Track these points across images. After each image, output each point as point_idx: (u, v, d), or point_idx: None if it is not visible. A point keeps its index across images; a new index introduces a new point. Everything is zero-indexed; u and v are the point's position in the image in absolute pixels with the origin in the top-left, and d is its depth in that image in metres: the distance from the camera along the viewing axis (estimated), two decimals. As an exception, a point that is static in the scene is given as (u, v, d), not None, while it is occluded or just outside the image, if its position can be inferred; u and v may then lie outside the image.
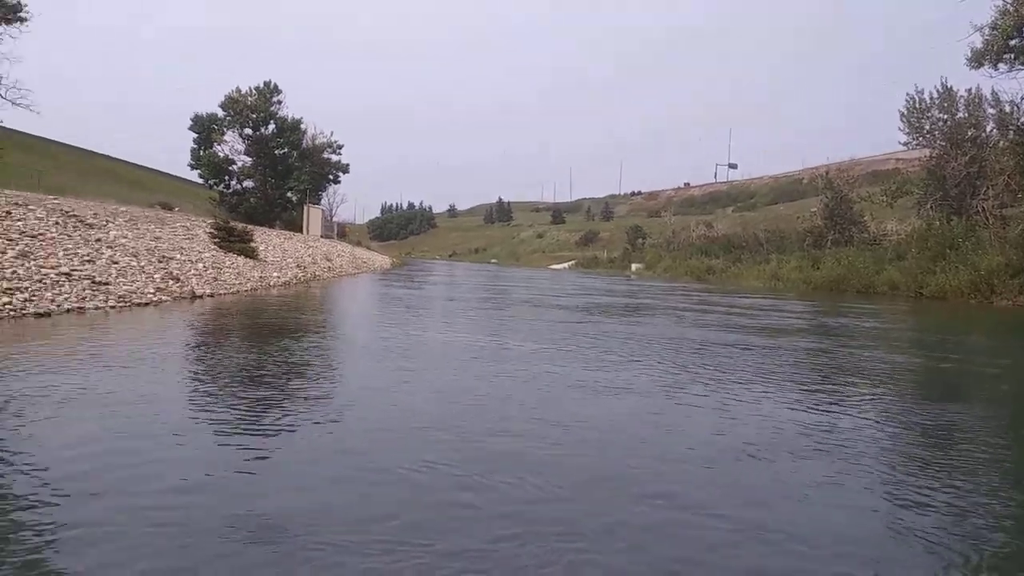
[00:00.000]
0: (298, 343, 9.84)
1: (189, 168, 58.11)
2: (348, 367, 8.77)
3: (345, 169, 63.48)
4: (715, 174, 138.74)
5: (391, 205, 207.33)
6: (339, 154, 62.10)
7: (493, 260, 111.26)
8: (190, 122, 55.95)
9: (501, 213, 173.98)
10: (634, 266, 73.42)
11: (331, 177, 63.79)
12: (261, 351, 8.97)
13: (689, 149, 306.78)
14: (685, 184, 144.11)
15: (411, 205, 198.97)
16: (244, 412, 5.69)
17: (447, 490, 4.14)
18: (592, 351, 10.39)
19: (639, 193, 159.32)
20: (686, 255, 66.95)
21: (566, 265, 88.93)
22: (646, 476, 4.62)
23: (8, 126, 30.98)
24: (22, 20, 29.14)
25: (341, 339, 11.62)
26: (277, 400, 6.37)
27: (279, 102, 57.81)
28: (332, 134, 61.73)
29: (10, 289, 10.94)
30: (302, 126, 59.20)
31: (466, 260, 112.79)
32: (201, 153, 56.54)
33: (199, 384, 6.93)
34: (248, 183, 58.35)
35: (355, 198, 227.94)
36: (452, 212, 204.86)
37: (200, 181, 59.13)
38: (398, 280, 33.83)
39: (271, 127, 57.90)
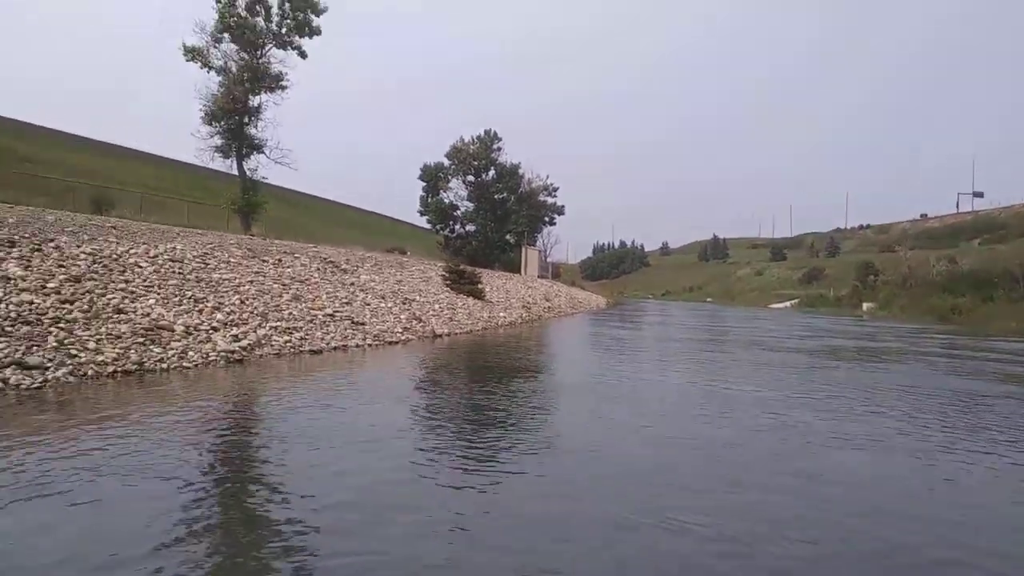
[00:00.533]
0: (527, 383, 10.46)
1: (419, 214, 62.78)
2: (576, 410, 9.12)
3: (560, 211, 65.38)
4: (957, 204, 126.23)
5: (603, 244, 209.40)
6: (554, 196, 64.20)
7: (708, 299, 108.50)
8: (419, 171, 60.60)
9: (716, 250, 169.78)
10: (866, 305, 68.28)
11: (546, 219, 65.94)
12: (496, 391, 9.64)
13: (924, 177, 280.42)
14: (922, 216, 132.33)
15: (623, 244, 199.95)
16: (480, 453, 6.25)
17: (701, 554, 4.10)
18: (830, 399, 10.03)
19: (868, 226, 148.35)
20: (926, 293, 61.29)
21: (788, 304, 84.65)
22: (930, 546, 4.41)
23: (270, 182, 35.31)
24: (283, 88, 33.31)
25: (567, 381, 12.11)
26: (509, 441, 6.84)
27: (498, 149, 61.09)
28: (548, 177, 64.00)
29: (290, 328, 12.65)
30: (520, 171, 61.99)
31: (679, 299, 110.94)
32: (429, 200, 60.94)
33: (443, 422, 7.61)
34: (470, 227, 61.90)
35: (567, 238, 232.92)
36: (665, 250, 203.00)
37: (427, 226, 63.61)
38: (614, 319, 34.21)
39: (491, 173, 61.20)
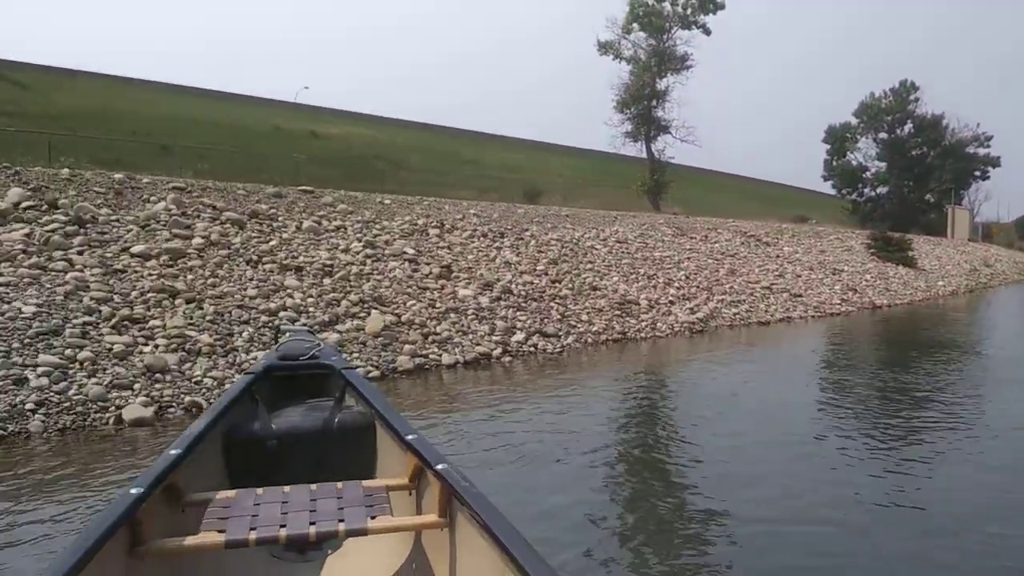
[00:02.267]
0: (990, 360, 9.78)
1: (822, 180, 59.67)
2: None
3: (995, 162, 56.98)
4: None
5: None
6: (987, 146, 56.15)
7: None
8: (823, 134, 57.52)
9: None
10: None
11: (977, 173, 57.99)
12: (956, 367, 9.23)
13: None
14: None
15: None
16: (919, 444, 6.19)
17: None
18: None
19: None
20: None
21: None
22: None
23: (676, 161, 36.62)
24: (688, 68, 34.21)
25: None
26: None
27: (916, 99, 55.22)
28: (979, 125, 56.19)
29: (734, 302, 13.44)
30: (943, 122, 55.37)
31: None
32: (834, 163, 57.53)
33: (881, 402, 7.61)
34: (882, 189, 57.08)
35: (998, 192, 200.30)
36: None
37: (831, 192, 60.15)
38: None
39: (907, 127, 55.63)
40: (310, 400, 3.19)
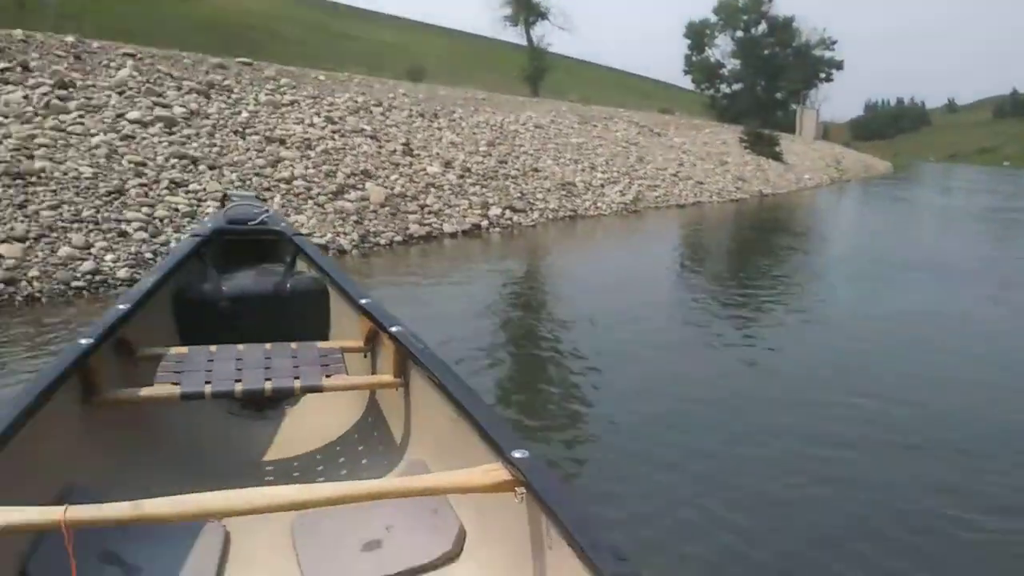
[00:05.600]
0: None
1: (683, 74, 62.75)
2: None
3: (838, 65, 62.16)
4: None
5: (875, 102, 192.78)
6: (832, 49, 61.09)
7: (1006, 162, 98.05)
8: (684, 29, 60.20)
9: (1016, 107, 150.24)
10: None
11: (822, 76, 63.09)
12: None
13: None
14: None
15: (899, 101, 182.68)
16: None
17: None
18: None
19: None
20: None
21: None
22: None
23: (553, 50, 37.77)
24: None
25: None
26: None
27: (770, 1, 58.78)
28: (824, 30, 60.91)
29: (652, 186, 15.18)
30: (793, 24, 59.48)
31: (971, 163, 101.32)
32: (693, 59, 60.62)
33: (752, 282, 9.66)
34: (737, 86, 60.97)
35: (835, 94, 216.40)
36: (951, 107, 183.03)
37: (691, 87, 63.51)
38: (919, 185, 33.55)
39: (762, 27, 59.32)
40: (260, 265, 3.23)
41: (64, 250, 5.73)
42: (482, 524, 1.88)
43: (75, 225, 6.09)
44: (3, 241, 5.55)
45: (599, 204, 12.77)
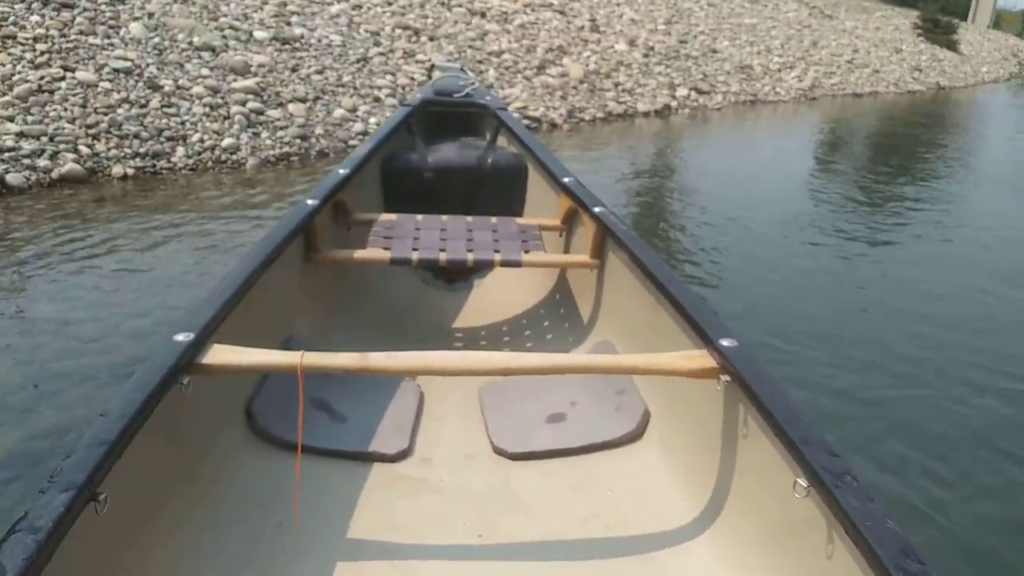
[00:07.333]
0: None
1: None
2: None
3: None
4: None
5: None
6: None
7: None
8: None
9: None
10: None
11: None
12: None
13: None
14: None
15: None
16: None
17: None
18: None
19: None
20: None
21: None
22: None
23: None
24: None
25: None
26: None
27: None
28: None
29: (828, 73, 14.87)
30: None
31: None
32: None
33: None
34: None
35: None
36: None
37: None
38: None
39: None
40: (463, 138, 3.31)
41: (338, 111, 6.54)
42: (670, 408, 1.90)
43: (340, 89, 6.88)
44: (291, 101, 6.40)
45: (778, 89, 12.73)
